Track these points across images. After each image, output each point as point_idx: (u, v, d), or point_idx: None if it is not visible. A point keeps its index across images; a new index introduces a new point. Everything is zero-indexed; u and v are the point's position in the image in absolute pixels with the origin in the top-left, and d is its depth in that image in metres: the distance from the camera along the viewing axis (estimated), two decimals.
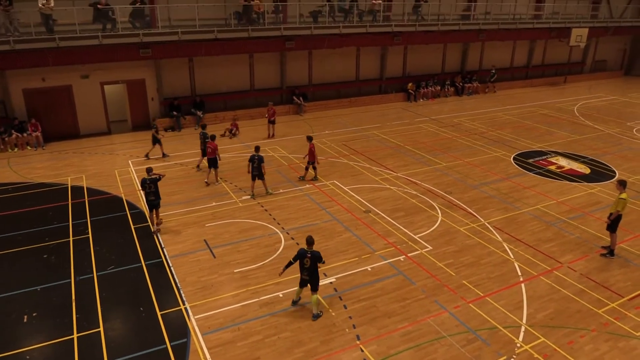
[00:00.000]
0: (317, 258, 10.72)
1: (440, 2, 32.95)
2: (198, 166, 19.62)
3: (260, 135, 24.34)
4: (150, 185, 14.31)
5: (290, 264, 10.85)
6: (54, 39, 20.68)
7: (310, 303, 11.03)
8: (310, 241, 10.82)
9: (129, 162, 20.45)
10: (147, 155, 20.84)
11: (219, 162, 18.34)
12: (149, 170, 14.55)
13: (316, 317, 10.93)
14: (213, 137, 18.27)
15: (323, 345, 10.10)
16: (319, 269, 11.01)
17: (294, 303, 11.33)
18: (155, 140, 20.55)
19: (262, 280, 12.25)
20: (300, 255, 10.81)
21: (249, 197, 16.92)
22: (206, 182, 18.11)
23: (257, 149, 16.94)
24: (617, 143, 24.19)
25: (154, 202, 14.56)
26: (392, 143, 23.45)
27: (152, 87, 25.39)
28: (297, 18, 27.02)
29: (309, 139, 18.33)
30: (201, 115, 25.93)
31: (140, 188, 15.36)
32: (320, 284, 11.94)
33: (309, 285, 10.96)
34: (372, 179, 18.79)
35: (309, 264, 10.74)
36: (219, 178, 18.38)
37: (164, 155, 21.02)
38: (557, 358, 9.86)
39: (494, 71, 36.44)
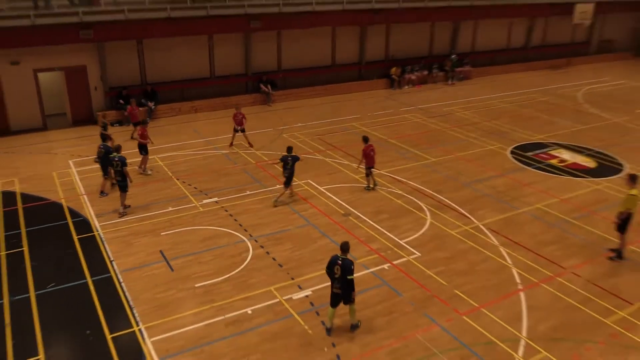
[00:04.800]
0: (346, 269, 10.49)
1: None
2: (102, 192, 17.59)
3: (221, 128, 24.11)
4: (118, 163, 15.78)
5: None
6: None
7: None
8: (344, 247, 10.69)
9: (70, 162, 20.25)
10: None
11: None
12: (117, 148, 16.28)
13: (355, 327, 11.09)
14: (145, 122, 19.88)
15: None
16: (352, 278, 10.61)
17: (329, 332, 11.03)
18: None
19: (228, 296, 12.32)
20: (331, 263, 10.72)
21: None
22: (143, 170, 19.38)
23: (289, 149, 16.75)
24: (626, 133, 24.84)
25: (120, 183, 15.95)
26: (373, 136, 23.62)
27: (95, 74, 25.16)
28: None
29: (365, 140, 17.71)
30: (152, 107, 25.79)
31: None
32: (294, 297, 12.13)
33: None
34: (352, 178, 18.98)
35: (339, 273, 10.56)
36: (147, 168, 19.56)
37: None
38: None
39: (454, 56, 35.44)
